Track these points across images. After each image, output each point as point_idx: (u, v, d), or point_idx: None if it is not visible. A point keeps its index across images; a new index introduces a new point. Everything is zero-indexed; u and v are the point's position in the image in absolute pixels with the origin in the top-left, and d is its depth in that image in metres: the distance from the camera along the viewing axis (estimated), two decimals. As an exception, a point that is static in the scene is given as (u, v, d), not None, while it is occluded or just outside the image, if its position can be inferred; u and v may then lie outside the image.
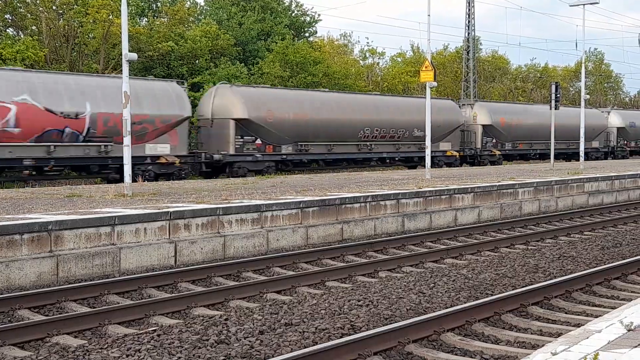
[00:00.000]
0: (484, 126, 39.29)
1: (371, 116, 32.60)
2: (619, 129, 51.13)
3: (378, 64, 65.16)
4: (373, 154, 33.05)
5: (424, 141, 33.91)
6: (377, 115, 32.91)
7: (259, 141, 28.29)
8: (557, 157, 45.33)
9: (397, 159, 34.65)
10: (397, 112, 34.07)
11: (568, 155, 45.72)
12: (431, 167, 33.65)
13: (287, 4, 53.78)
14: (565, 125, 42.47)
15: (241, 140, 27.80)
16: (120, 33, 16.39)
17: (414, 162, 35.04)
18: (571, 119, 45.15)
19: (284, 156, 29.28)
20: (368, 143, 32.49)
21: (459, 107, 39.34)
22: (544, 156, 43.91)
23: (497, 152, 39.99)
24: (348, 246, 13.18)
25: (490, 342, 7.32)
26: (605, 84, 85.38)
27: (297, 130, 29.35)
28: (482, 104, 40.80)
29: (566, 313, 8.51)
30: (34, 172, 23.27)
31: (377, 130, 32.66)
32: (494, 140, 40.02)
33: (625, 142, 51.67)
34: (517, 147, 41.77)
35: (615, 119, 50.98)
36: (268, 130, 28.32)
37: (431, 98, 38.09)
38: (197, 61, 42.67)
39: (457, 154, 36.99)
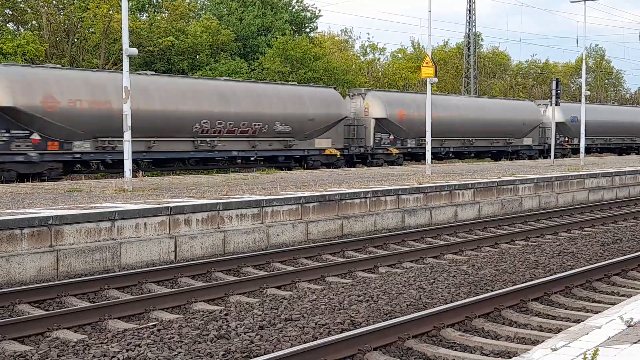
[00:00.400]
0: (377, 120, 32.98)
1: (213, 107, 26.43)
2: (558, 124, 43.10)
3: (379, 59, 65.18)
4: (217, 152, 27.02)
5: (291, 137, 28.98)
6: (222, 105, 26.78)
7: (36, 136, 22.24)
8: (480, 156, 40.04)
9: (252, 158, 28.60)
10: (252, 101, 27.71)
11: (493, 154, 40.27)
12: (305, 168, 28.92)
13: (287, -1, 53.73)
14: (488, 119, 38.16)
15: (7, 135, 21.76)
16: (121, 28, 16.37)
17: (279, 162, 29.33)
18: (495, 112, 39.48)
19: (77, 155, 23.33)
20: (209, 139, 26.39)
21: (350, 97, 33.90)
22: (460, 155, 38.67)
23: (395, 151, 33.66)
24: (348, 242, 13.18)
25: (490, 337, 7.32)
26: (606, 81, 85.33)
27: (96, 123, 23.20)
28: (375, 93, 34.33)
29: (566, 309, 8.51)
30: None
31: (221, 124, 26.54)
32: (391, 137, 33.62)
33: (566, 138, 44.70)
34: (422, 145, 33.50)
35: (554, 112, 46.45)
36: (49, 122, 22.30)
37: (308, 86, 33.34)
38: (197, 56, 42.65)
39: (339, 152, 31.09)
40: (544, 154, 43.00)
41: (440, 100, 37.13)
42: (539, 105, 44.64)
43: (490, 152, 39.89)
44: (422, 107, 34.05)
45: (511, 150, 40.68)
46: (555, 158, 40.72)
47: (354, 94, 34.10)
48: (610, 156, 46.89)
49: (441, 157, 37.39)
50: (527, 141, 41.15)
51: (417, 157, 35.70)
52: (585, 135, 46.69)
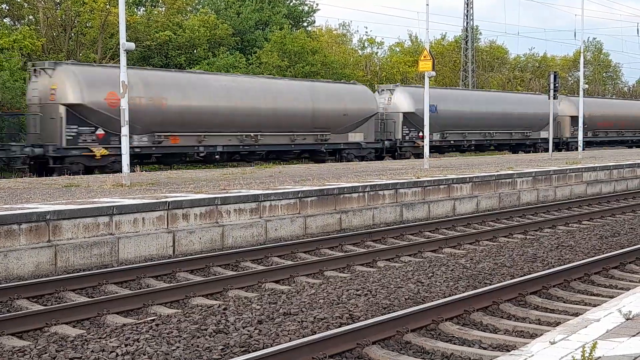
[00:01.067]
0: (69, 107, 22.67)
1: None
2: (406, 114, 33.79)
3: (377, 53, 65.05)
4: None
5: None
6: None
7: None
8: (281, 157, 29.82)
9: None
10: None
11: (301, 154, 30.39)
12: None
13: (285, -7, 53.59)
14: (288, 109, 28.27)
15: None
16: (118, 22, 16.33)
17: None
18: (300, 99, 28.93)
19: None
20: None
21: (34, 74, 23.33)
22: (244, 156, 28.13)
23: (102, 152, 23.38)
24: (346, 236, 13.17)
25: (488, 331, 7.32)
26: (604, 74, 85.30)
27: None
28: (68, 67, 23.42)
29: (565, 302, 8.52)
30: None
31: None
32: (99, 132, 23.23)
33: (419, 133, 33.23)
34: (160, 142, 24.86)
35: (401, 101, 33.97)
36: None
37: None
38: (195, 51, 42.54)
39: (17, 155, 21.68)
40: (383, 153, 33.44)
41: (201, 80, 26.61)
42: (382, 91, 34.76)
43: (293, 151, 29.59)
44: (154, 89, 24.58)
45: (326, 149, 30.22)
46: (403, 159, 31.51)
47: (40, 70, 23.20)
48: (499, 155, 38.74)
49: (202, 160, 27.08)
50: (356, 137, 30.96)
51: (164, 160, 26.07)
52: (453, 130, 36.04)
